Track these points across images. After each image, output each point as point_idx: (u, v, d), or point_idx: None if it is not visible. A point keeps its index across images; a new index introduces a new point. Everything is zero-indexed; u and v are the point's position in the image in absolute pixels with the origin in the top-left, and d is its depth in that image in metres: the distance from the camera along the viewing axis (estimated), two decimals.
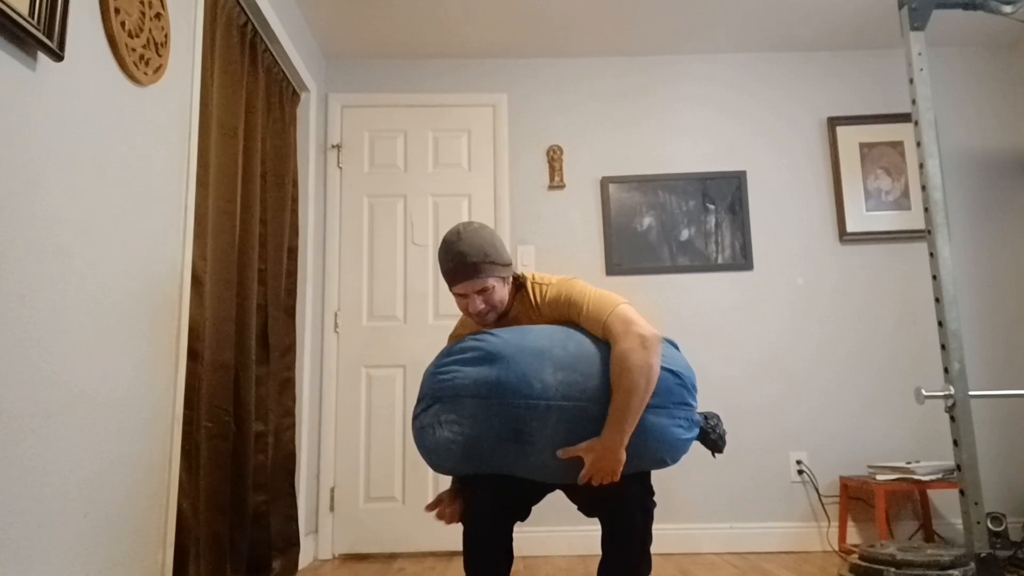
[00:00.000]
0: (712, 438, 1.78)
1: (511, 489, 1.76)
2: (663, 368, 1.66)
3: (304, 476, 3.06)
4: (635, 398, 1.59)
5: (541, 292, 1.82)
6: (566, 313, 1.77)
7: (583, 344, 1.68)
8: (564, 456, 1.62)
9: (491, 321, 1.82)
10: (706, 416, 1.80)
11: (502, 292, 1.81)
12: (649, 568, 1.75)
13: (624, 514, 1.70)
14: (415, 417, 1.74)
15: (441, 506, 1.80)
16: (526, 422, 1.61)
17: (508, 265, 1.81)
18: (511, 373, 1.62)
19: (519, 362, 1.63)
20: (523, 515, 1.83)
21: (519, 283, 1.87)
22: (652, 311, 3.43)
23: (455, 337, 1.93)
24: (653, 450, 1.66)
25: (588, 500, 1.76)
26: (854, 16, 3.36)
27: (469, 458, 1.67)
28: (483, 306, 1.78)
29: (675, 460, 1.71)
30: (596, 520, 1.77)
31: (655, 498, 1.76)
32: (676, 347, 1.81)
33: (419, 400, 1.74)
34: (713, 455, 1.84)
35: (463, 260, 1.74)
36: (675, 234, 3.50)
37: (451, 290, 1.81)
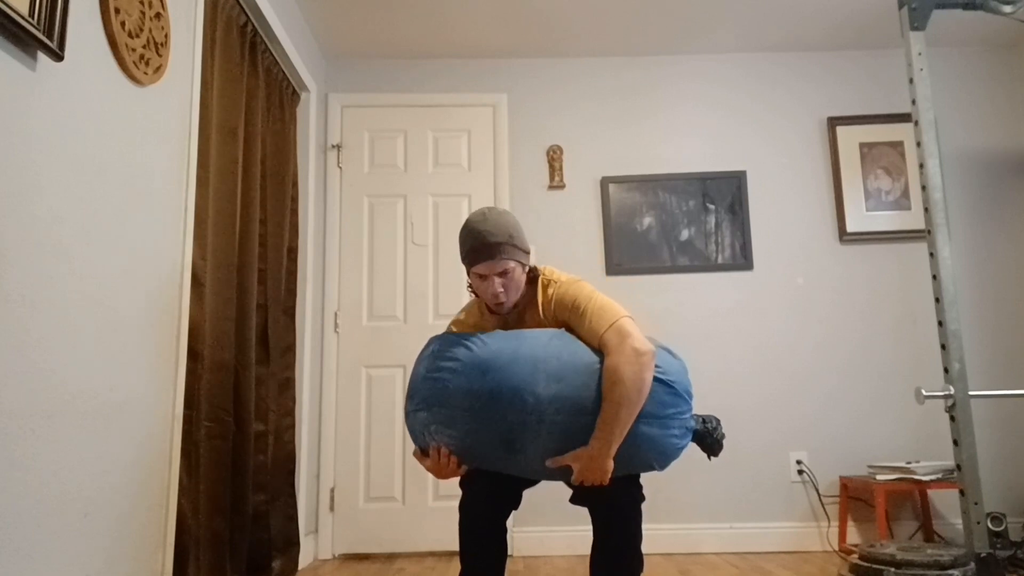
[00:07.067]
0: (708, 441, 1.78)
1: (504, 480, 1.78)
2: (657, 379, 1.66)
3: (304, 476, 3.05)
4: (624, 410, 1.59)
5: (549, 290, 1.82)
6: (568, 318, 1.77)
7: (577, 354, 1.67)
8: (552, 465, 1.65)
9: (506, 308, 1.81)
10: (704, 419, 1.79)
11: (520, 277, 1.80)
12: (641, 565, 1.77)
13: (614, 510, 1.74)
14: (407, 414, 1.75)
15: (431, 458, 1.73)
16: (517, 435, 1.63)
17: (528, 252, 1.82)
18: (504, 386, 1.62)
19: (513, 374, 1.63)
20: (516, 503, 1.84)
21: (533, 275, 1.87)
22: (652, 311, 3.43)
23: (457, 324, 1.92)
24: (645, 457, 1.68)
25: (579, 492, 1.78)
26: (854, 16, 3.36)
27: (462, 458, 1.71)
28: (501, 289, 1.76)
29: (664, 467, 1.73)
30: None
31: (643, 492, 1.80)
32: (672, 353, 1.80)
33: (410, 397, 1.73)
34: (709, 458, 1.84)
35: (488, 240, 1.73)
36: (675, 234, 3.50)
37: (471, 270, 1.79)
